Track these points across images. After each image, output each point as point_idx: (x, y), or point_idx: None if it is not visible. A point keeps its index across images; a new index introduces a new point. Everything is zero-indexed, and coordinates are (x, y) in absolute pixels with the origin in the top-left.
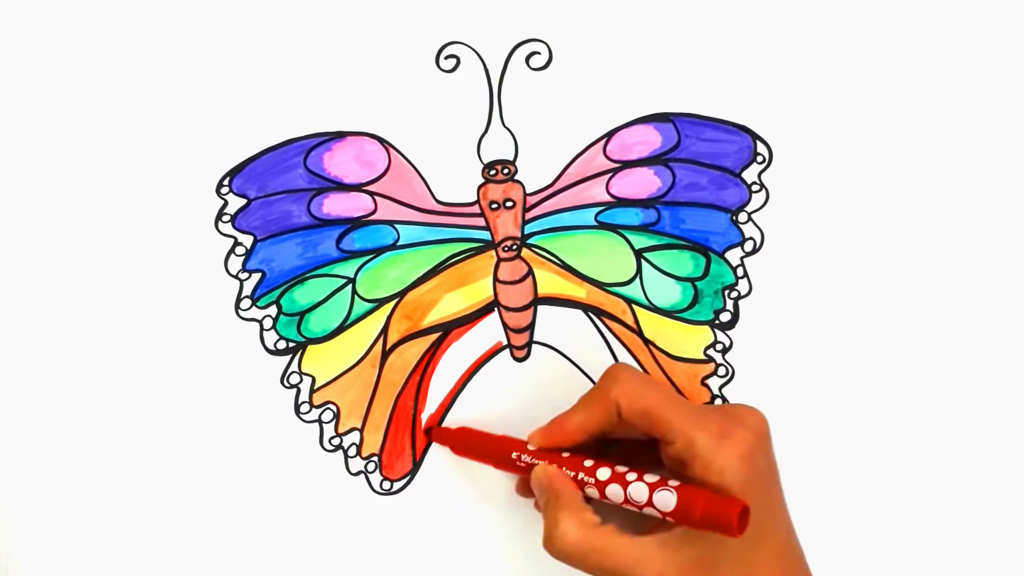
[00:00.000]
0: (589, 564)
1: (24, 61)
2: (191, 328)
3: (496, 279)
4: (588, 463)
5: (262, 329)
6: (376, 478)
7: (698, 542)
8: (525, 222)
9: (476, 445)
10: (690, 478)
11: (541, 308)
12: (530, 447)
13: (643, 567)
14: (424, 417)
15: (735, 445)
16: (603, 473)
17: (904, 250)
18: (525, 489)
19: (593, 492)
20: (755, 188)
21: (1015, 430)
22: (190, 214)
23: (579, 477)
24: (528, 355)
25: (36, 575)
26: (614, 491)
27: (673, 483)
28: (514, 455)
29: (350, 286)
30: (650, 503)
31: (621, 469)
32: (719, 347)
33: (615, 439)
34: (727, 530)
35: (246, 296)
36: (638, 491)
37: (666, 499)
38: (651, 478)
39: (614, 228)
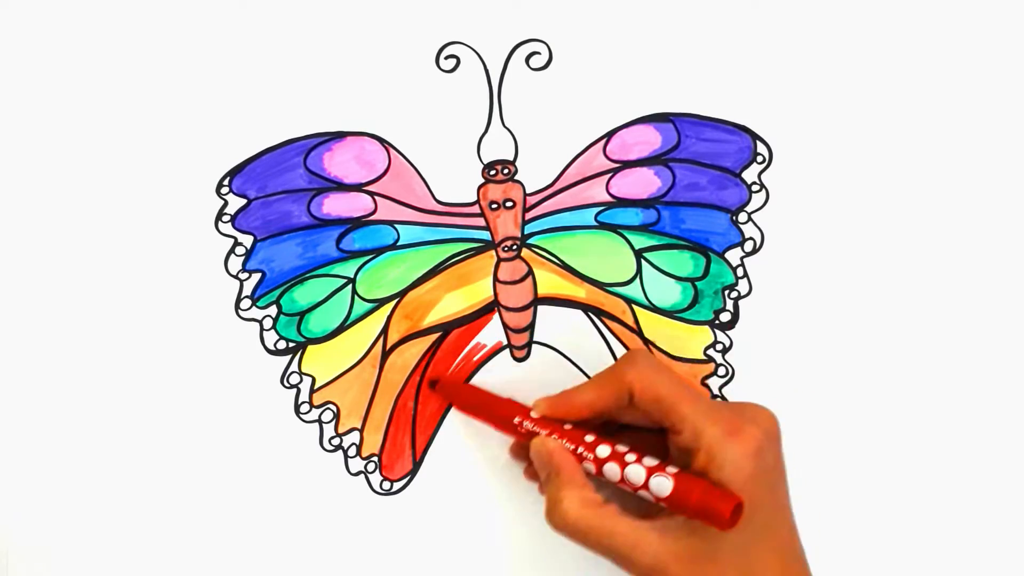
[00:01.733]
0: (589, 541)
1: (24, 61)
2: (191, 328)
3: (496, 279)
4: (589, 438)
5: (262, 329)
6: (376, 478)
7: (698, 534)
8: (525, 222)
9: (479, 403)
10: (694, 470)
11: (541, 308)
12: (533, 414)
13: (641, 551)
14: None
15: (743, 443)
16: (603, 450)
17: (904, 250)
18: (520, 453)
19: (590, 468)
20: (755, 188)
21: (1015, 429)
22: (190, 214)
23: (578, 451)
24: (528, 355)
25: (36, 575)
26: (611, 469)
27: (671, 469)
28: (516, 420)
29: (350, 286)
30: (646, 486)
31: (621, 449)
32: (719, 347)
33: (621, 424)
34: (719, 522)
35: (246, 296)
36: (635, 473)
37: (662, 485)
38: (650, 462)
39: (614, 228)
